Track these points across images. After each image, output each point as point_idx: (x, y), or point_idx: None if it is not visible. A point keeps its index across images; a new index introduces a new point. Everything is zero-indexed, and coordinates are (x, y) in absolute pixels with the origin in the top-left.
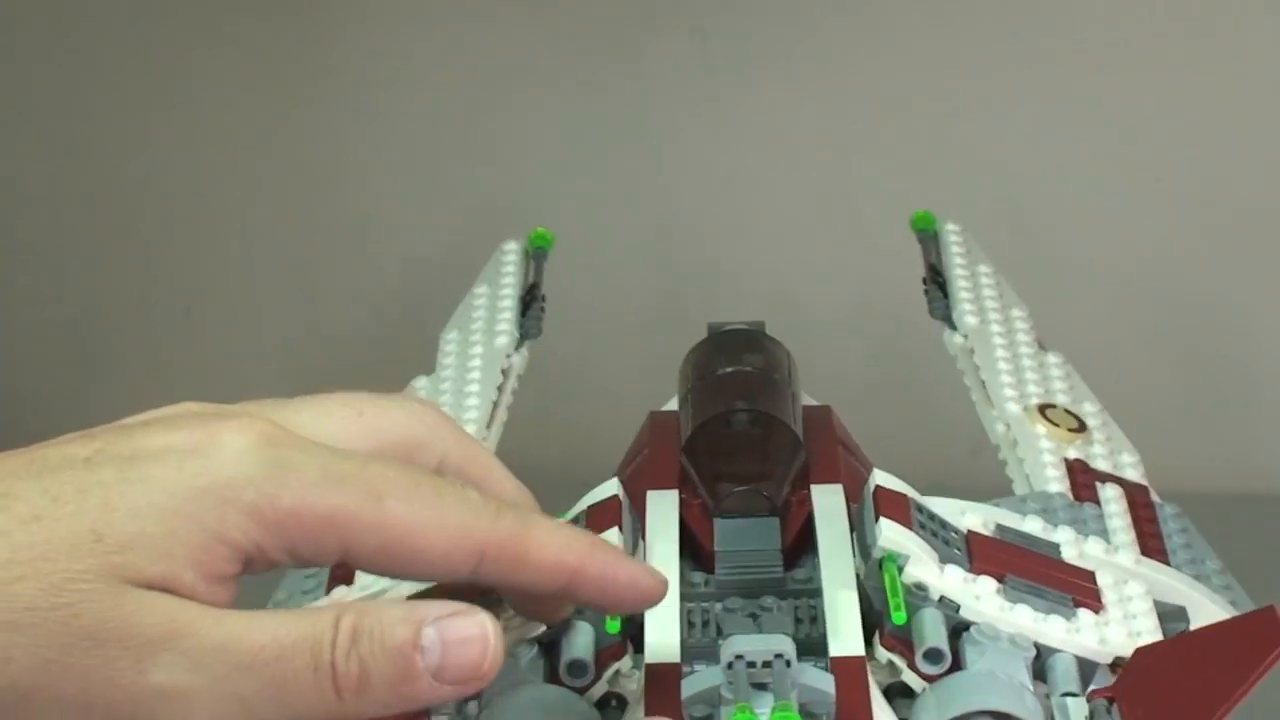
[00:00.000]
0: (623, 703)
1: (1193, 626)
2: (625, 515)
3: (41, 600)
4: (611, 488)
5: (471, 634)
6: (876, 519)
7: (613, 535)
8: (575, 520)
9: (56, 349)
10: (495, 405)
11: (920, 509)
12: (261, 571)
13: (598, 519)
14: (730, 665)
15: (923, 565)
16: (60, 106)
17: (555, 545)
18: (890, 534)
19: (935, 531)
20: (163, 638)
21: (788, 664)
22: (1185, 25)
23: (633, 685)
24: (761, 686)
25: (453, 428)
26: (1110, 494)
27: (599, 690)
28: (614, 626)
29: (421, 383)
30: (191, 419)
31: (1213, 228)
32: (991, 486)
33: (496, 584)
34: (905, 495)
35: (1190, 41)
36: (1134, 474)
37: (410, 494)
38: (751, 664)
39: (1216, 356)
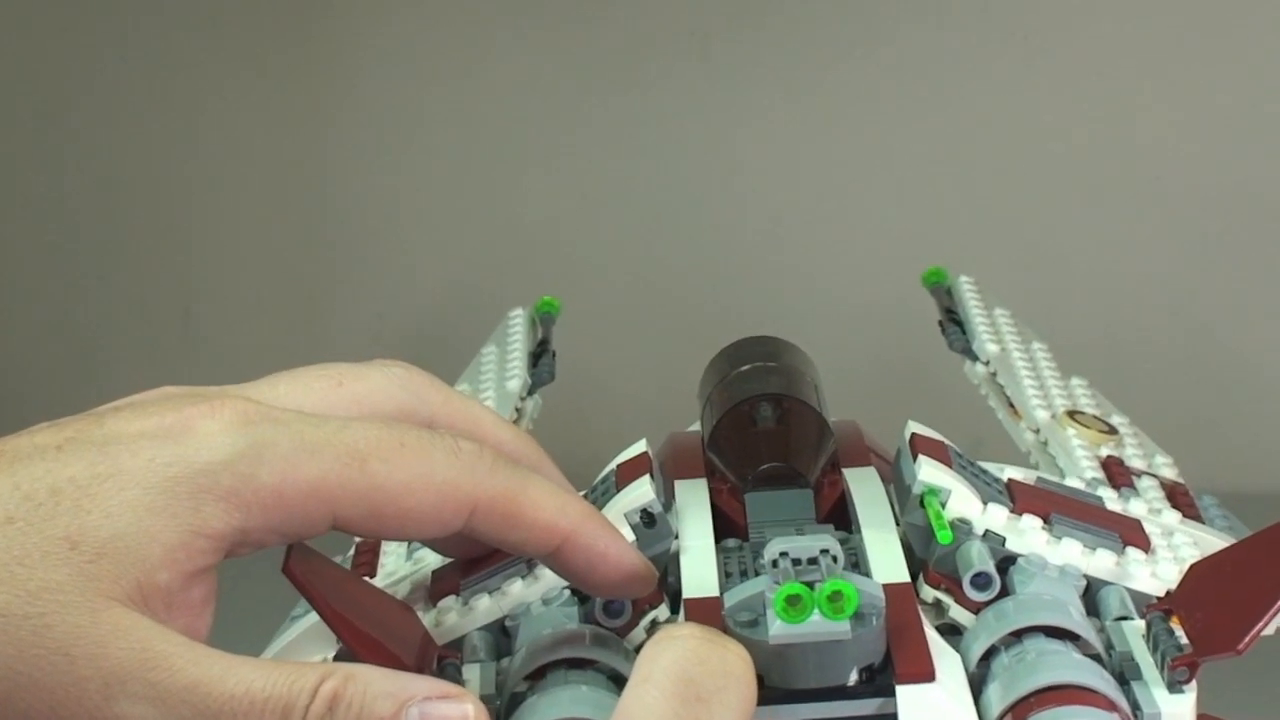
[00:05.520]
0: None
1: None
2: (655, 470)
3: (15, 606)
4: (641, 446)
5: None
6: (915, 458)
7: (644, 483)
8: (604, 480)
9: (55, 349)
10: None
11: (959, 455)
12: (251, 553)
13: (628, 472)
14: (775, 563)
15: (965, 500)
16: (59, 106)
17: (550, 507)
18: (930, 470)
19: (976, 474)
20: (134, 667)
21: (834, 559)
22: (1186, 23)
23: None
24: (808, 586)
25: (437, 387)
26: (1147, 484)
27: (638, 638)
28: None
29: None
30: (165, 403)
31: (1213, 227)
32: None
33: (489, 540)
34: (943, 441)
35: (1190, 41)
36: (1170, 474)
37: (394, 453)
38: (797, 561)
39: (1218, 357)
